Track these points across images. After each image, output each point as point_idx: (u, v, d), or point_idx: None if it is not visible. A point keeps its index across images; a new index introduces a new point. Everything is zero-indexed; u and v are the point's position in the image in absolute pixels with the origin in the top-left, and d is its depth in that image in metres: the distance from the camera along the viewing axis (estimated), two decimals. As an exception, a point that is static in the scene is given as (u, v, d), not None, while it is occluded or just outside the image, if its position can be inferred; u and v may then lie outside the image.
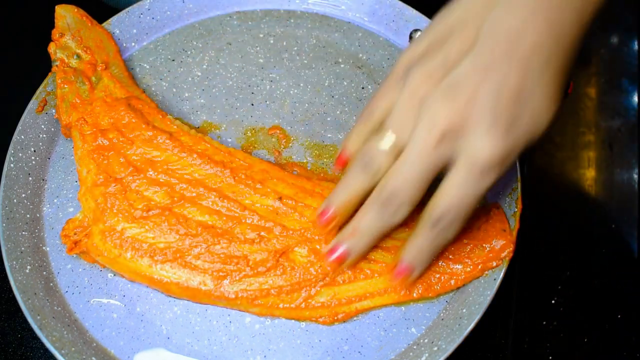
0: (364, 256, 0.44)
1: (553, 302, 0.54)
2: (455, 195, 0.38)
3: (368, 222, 0.41)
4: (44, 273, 0.47)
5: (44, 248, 0.48)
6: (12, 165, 0.50)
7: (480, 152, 0.37)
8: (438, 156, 0.38)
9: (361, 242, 0.42)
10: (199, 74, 0.56)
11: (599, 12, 0.39)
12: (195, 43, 0.58)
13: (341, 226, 0.43)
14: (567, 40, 0.38)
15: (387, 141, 0.39)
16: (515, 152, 0.37)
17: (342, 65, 0.57)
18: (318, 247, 0.46)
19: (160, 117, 0.50)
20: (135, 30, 0.57)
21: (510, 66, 0.36)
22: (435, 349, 0.43)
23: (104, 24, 0.56)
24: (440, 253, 0.46)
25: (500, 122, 0.36)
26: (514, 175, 0.49)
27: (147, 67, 0.56)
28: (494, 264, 0.45)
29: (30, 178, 0.50)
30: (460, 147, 0.37)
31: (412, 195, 0.39)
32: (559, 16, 0.37)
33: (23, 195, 0.50)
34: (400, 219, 0.40)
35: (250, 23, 0.59)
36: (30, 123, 0.52)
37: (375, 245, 0.46)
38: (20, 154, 0.50)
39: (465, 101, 0.36)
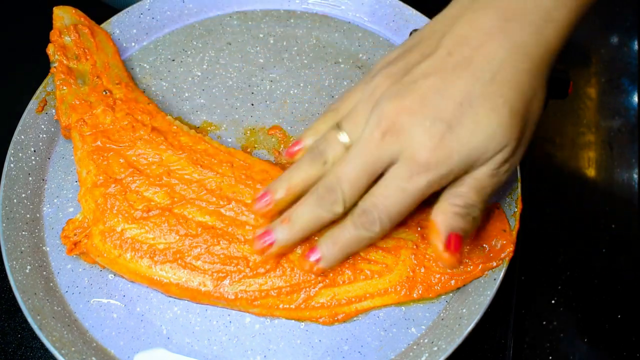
0: (291, 248, 0.44)
1: (553, 302, 0.54)
2: (384, 191, 0.38)
3: (301, 212, 0.41)
4: (44, 273, 0.47)
5: (44, 248, 0.48)
6: (12, 165, 0.50)
7: (417, 149, 0.37)
8: (381, 153, 0.38)
9: (291, 231, 0.41)
10: (199, 74, 0.56)
11: (566, 36, 0.39)
12: (195, 43, 0.58)
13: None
14: (527, 59, 0.38)
15: (339, 136, 0.40)
16: (451, 158, 0.37)
17: (342, 65, 0.57)
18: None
19: (160, 117, 0.50)
20: (135, 30, 0.57)
21: (461, 72, 0.38)
22: (435, 349, 0.43)
23: (104, 24, 0.56)
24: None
25: (440, 125, 0.37)
26: (514, 175, 0.49)
27: (147, 67, 0.56)
28: (494, 264, 0.45)
29: (30, 178, 0.50)
30: (402, 144, 0.38)
31: (351, 190, 0.39)
32: (519, 33, 0.38)
33: (23, 195, 0.50)
34: (336, 214, 0.40)
35: (250, 23, 0.59)
36: (30, 123, 0.52)
37: (374, 246, 0.46)
38: (20, 154, 0.50)
39: (412, 100, 0.38)
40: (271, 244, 0.42)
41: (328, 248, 0.42)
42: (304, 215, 0.41)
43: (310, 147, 0.42)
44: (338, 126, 0.41)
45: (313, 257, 0.42)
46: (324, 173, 0.40)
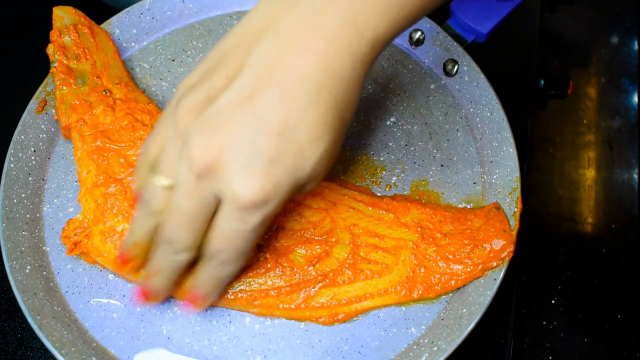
0: (170, 291, 0.43)
1: (553, 302, 0.54)
2: (224, 232, 0.36)
3: (158, 266, 0.40)
4: (44, 273, 0.47)
5: (44, 248, 0.48)
6: (12, 165, 0.50)
7: (240, 192, 0.34)
8: (202, 195, 0.35)
9: (161, 280, 0.41)
10: (199, 74, 0.56)
11: (377, 55, 0.37)
12: (195, 43, 0.58)
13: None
14: (341, 77, 0.35)
15: (159, 181, 0.37)
16: (280, 189, 0.35)
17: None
18: (318, 247, 0.46)
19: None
20: (135, 30, 0.57)
21: (272, 97, 0.34)
22: (435, 349, 0.43)
23: (104, 24, 0.56)
24: (441, 253, 0.46)
25: (259, 160, 0.34)
26: (514, 175, 0.49)
27: (147, 67, 0.56)
28: (494, 264, 0.45)
29: (30, 178, 0.50)
30: (222, 185, 0.35)
31: (188, 236, 0.37)
32: (332, 52, 0.34)
33: (23, 195, 0.50)
34: (189, 257, 0.39)
35: (250, 23, 0.59)
36: (30, 123, 0.52)
37: (374, 246, 0.46)
38: (20, 154, 0.50)
39: (223, 136, 0.34)
40: (152, 294, 0.42)
41: (197, 292, 0.41)
42: (162, 268, 0.40)
43: (139, 198, 0.40)
44: (154, 170, 0.38)
45: (184, 303, 0.42)
46: (160, 221, 0.38)
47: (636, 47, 0.67)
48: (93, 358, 0.44)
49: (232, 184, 0.34)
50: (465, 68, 0.53)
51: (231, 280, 0.43)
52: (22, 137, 0.51)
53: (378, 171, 0.51)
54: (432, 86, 0.54)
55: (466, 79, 0.53)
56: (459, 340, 0.43)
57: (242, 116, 0.34)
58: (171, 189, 0.37)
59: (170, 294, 0.44)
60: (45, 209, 0.50)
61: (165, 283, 0.41)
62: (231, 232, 0.36)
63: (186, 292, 0.42)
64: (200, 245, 0.38)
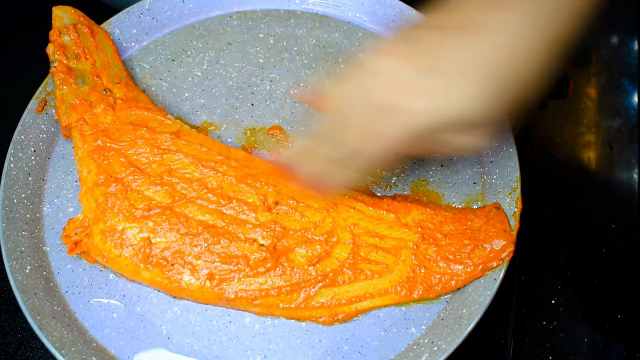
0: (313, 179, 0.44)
1: (553, 302, 0.54)
2: (378, 142, 0.39)
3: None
4: (44, 273, 0.47)
5: (44, 248, 0.48)
6: (12, 165, 0.50)
7: (407, 93, 0.38)
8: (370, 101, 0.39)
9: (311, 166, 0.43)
10: (199, 74, 0.56)
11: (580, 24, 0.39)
12: (195, 43, 0.58)
13: None
14: (540, 37, 0.38)
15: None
16: (430, 114, 0.38)
17: (342, 65, 0.57)
18: (319, 247, 0.46)
19: (161, 117, 0.50)
20: (135, 30, 0.57)
21: (473, 34, 0.38)
22: (435, 349, 0.43)
23: (104, 24, 0.56)
24: (441, 253, 0.46)
25: (434, 73, 0.38)
26: (514, 175, 0.49)
27: (147, 67, 0.56)
28: (495, 264, 0.45)
29: (30, 178, 0.50)
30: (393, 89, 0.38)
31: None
32: (539, 8, 0.38)
33: (23, 195, 0.50)
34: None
35: (250, 23, 0.59)
36: (30, 123, 0.52)
37: (374, 246, 0.46)
38: (20, 154, 0.50)
39: (411, 50, 0.38)
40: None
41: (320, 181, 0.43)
42: (317, 157, 0.42)
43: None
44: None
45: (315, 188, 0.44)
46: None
47: (636, 47, 0.67)
48: (93, 358, 0.44)
49: (401, 87, 0.38)
50: (465, 68, 0.53)
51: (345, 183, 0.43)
52: (22, 137, 0.51)
53: (378, 171, 0.51)
54: (432, 86, 0.54)
55: (466, 79, 0.53)
56: (459, 340, 0.43)
57: (437, 39, 0.38)
58: None
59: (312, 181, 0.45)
60: (45, 209, 0.50)
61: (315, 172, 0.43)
62: (383, 131, 0.39)
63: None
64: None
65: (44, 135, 0.52)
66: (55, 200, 0.50)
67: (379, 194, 0.50)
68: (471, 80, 0.38)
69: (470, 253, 0.45)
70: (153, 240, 0.46)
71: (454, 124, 0.39)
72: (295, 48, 0.58)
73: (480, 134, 0.40)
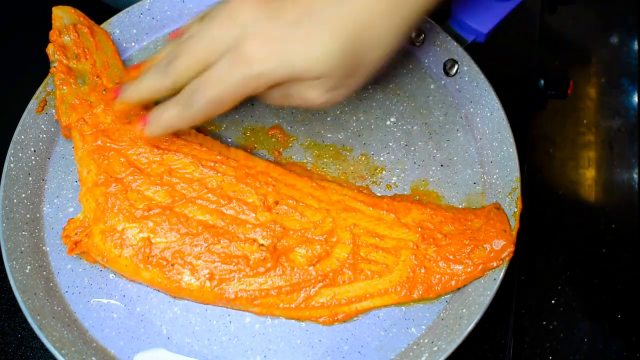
0: (136, 103, 0.45)
1: (553, 302, 0.54)
2: (206, 79, 0.40)
3: (144, 77, 0.43)
4: (44, 273, 0.47)
5: (44, 248, 0.48)
6: (12, 165, 0.50)
7: (247, 41, 0.39)
8: (216, 37, 0.40)
9: (133, 89, 0.44)
10: (199, 74, 0.56)
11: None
12: (195, 43, 0.58)
13: None
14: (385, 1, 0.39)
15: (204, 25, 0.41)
16: (275, 62, 0.39)
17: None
18: (319, 247, 0.46)
19: (160, 117, 0.50)
20: (135, 30, 0.57)
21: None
22: (435, 349, 0.43)
23: (104, 24, 0.56)
24: (441, 254, 0.46)
25: (280, 24, 0.39)
26: (514, 175, 0.49)
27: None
28: (495, 264, 0.45)
29: (30, 178, 0.50)
30: (236, 33, 0.39)
31: (182, 67, 0.41)
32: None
33: (23, 195, 0.50)
34: (166, 87, 0.42)
35: (250, 23, 0.59)
36: (30, 123, 0.52)
37: (374, 246, 0.46)
38: (20, 154, 0.50)
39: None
40: (126, 99, 0.45)
41: (153, 117, 0.43)
42: (145, 80, 0.43)
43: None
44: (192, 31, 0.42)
45: (140, 125, 0.44)
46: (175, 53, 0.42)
47: (636, 47, 0.67)
48: (93, 358, 0.44)
49: (246, 34, 0.38)
50: (465, 68, 0.53)
51: (181, 126, 0.44)
52: (22, 137, 0.51)
53: (378, 171, 0.51)
54: (432, 86, 0.54)
55: (466, 79, 0.53)
56: (459, 340, 0.43)
57: None
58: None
59: (133, 107, 0.47)
60: (45, 209, 0.50)
61: (137, 96, 0.44)
62: (215, 78, 0.40)
63: (147, 117, 0.44)
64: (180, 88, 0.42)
65: (44, 135, 0.52)
66: (55, 200, 0.50)
67: (379, 194, 0.50)
68: (323, 34, 0.38)
69: (470, 253, 0.45)
70: (153, 241, 0.46)
71: (300, 76, 0.39)
72: (295, 48, 0.58)
73: (328, 89, 0.40)
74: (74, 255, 0.48)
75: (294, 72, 0.39)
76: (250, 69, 0.39)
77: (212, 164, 0.48)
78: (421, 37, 0.55)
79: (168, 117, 0.43)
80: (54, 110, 0.52)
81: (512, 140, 0.50)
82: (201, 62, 0.40)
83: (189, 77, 0.41)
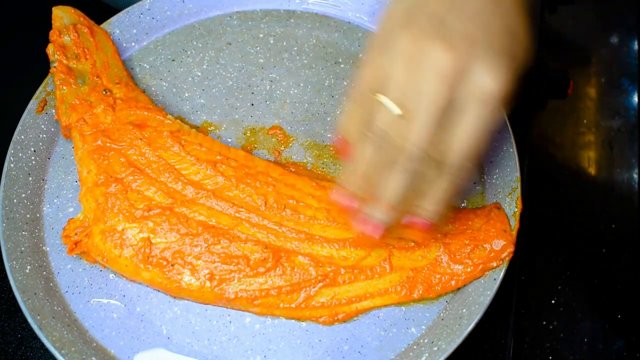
0: (394, 219, 0.40)
1: (553, 302, 0.54)
2: (467, 131, 0.37)
3: (391, 185, 0.39)
4: (44, 273, 0.47)
5: (44, 248, 0.48)
6: (12, 165, 0.50)
7: (489, 86, 0.36)
8: (449, 98, 0.36)
9: (392, 208, 0.40)
10: (199, 74, 0.56)
11: None
12: (195, 43, 0.58)
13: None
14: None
15: (392, 107, 0.37)
16: (513, 76, 0.37)
17: (342, 65, 0.57)
18: (318, 247, 0.46)
19: (160, 117, 0.50)
20: (135, 30, 0.57)
21: (493, 7, 0.38)
22: (435, 349, 0.43)
23: (104, 24, 0.56)
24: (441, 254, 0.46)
25: (503, 56, 0.37)
26: (514, 175, 0.49)
27: (147, 67, 0.56)
28: (495, 264, 0.45)
29: (30, 178, 0.50)
30: (467, 88, 0.36)
31: (431, 144, 0.37)
32: None
33: (23, 195, 0.50)
34: (419, 171, 0.38)
35: (250, 23, 0.59)
36: (30, 123, 0.52)
37: (375, 245, 0.46)
38: (20, 154, 0.50)
39: (462, 42, 0.36)
40: (377, 227, 0.40)
41: (434, 208, 0.40)
42: (392, 185, 0.38)
43: (369, 133, 0.39)
44: (383, 99, 0.38)
45: (418, 221, 0.40)
46: (393, 152, 0.38)
47: (636, 47, 0.67)
48: (93, 358, 0.44)
49: (482, 81, 0.36)
50: (465, 68, 0.53)
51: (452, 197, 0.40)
52: (22, 137, 0.51)
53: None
54: (432, 86, 0.54)
55: (466, 79, 0.53)
56: (459, 340, 0.43)
57: (472, 25, 0.37)
58: (400, 116, 0.37)
59: (393, 223, 0.41)
60: (45, 209, 0.50)
61: (399, 206, 0.40)
62: (475, 131, 0.37)
63: (421, 213, 0.40)
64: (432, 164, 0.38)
65: (44, 135, 0.52)
66: (55, 200, 0.50)
67: (379, 194, 0.50)
68: (517, 31, 0.38)
69: (470, 253, 0.45)
70: (153, 241, 0.46)
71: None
72: (295, 48, 0.58)
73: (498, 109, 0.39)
74: (74, 255, 0.48)
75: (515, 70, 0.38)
76: (496, 98, 0.37)
77: (212, 164, 0.48)
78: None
79: (443, 197, 0.39)
80: (54, 110, 0.52)
81: (512, 140, 0.50)
82: (438, 127, 0.37)
83: (431, 148, 0.37)
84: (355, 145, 0.40)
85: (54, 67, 0.51)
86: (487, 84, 0.36)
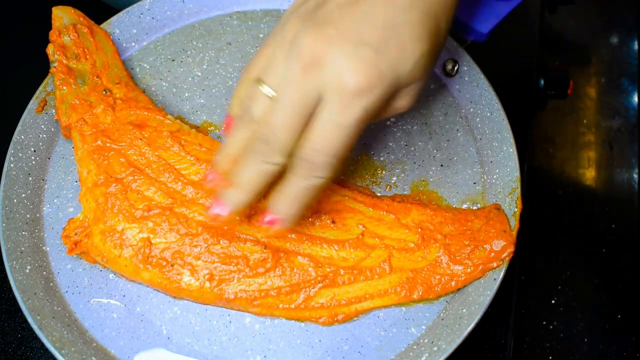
0: (245, 211, 0.42)
1: (553, 302, 0.54)
2: (324, 128, 0.36)
3: (243, 171, 0.39)
4: (44, 273, 0.47)
5: (44, 248, 0.48)
6: (12, 165, 0.50)
7: (345, 76, 0.35)
8: (307, 89, 0.36)
9: (240, 192, 0.40)
10: (199, 74, 0.56)
11: None
12: (195, 43, 0.58)
13: None
14: None
15: (261, 89, 0.38)
16: (383, 81, 0.36)
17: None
18: (318, 248, 0.46)
19: (160, 117, 0.50)
20: (135, 30, 0.57)
21: (375, 1, 0.36)
22: (435, 349, 0.43)
23: (104, 24, 0.56)
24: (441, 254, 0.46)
25: (365, 49, 0.35)
26: (514, 175, 0.49)
27: (147, 67, 0.56)
28: (495, 264, 0.45)
29: (30, 178, 0.50)
30: (328, 76, 0.35)
31: (286, 136, 0.37)
32: None
33: (23, 195, 0.50)
34: (278, 164, 0.38)
35: (250, 23, 0.59)
36: (30, 123, 0.52)
37: (375, 246, 0.46)
38: (20, 154, 0.50)
39: (330, 28, 0.36)
40: (227, 212, 0.41)
41: (282, 206, 0.39)
42: (247, 173, 0.39)
43: (239, 111, 0.40)
44: (258, 81, 0.38)
45: (267, 219, 0.40)
46: (256, 128, 0.38)
47: (636, 47, 0.67)
48: (93, 358, 0.44)
49: (338, 70, 0.35)
50: (465, 68, 0.53)
51: (314, 198, 0.39)
52: (22, 137, 0.51)
53: (378, 171, 0.51)
54: (432, 86, 0.54)
55: (466, 79, 0.53)
56: (459, 340, 0.43)
57: (349, 14, 0.36)
58: (273, 100, 0.37)
59: (248, 207, 0.42)
60: (45, 209, 0.50)
61: (250, 194, 0.40)
62: (332, 127, 0.36)
63: (270, 208, 0.40)
64: (291, 155, 0.38)
65: (44, 135, 0.52)
66: (55, 200, 0.50)
67: (378, 195, 0.50)
68: (412, 35, 0.37)
69: (470, 254, 0.45)
70: (153, 241, 0.46)
71: (403, 86, 0.38)
72: (295, 48, 0.58)
73: (412, 94, 0.39)
74: (74, 255, 0.48)
75: (399, 83, 0.37)
76: (365, 100, 0.35)
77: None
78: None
79: (295, 196, 0.39)
80: (54, 110, 0.52)
81: (512, 140, 0.50)
82: (302, 118, 0.36)
83: (295, 141, 0.37)
84: (234, 126, 0.41)
85: (54, 67, 0.51)
86: (342, 75, 0.35)
